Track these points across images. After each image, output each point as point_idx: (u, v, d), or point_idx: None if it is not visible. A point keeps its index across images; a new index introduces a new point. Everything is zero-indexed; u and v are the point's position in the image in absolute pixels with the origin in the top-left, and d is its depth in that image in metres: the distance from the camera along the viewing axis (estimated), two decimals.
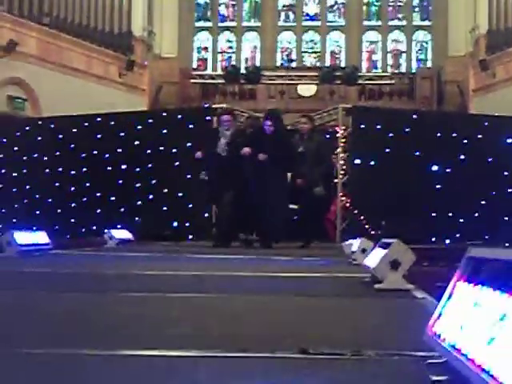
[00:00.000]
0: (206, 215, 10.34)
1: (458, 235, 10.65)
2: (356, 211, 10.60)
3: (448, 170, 10.71)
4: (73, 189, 11.39)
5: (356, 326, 2.35)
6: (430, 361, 1.43)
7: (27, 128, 12.27)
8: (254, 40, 23.53)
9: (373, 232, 10.17)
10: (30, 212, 11.46)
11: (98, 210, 11.16)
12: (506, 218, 10.71)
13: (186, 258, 6.45)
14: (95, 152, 11.34)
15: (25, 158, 11.82)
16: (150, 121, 11.62)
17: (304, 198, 9.12)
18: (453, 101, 20.39)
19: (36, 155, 11.76)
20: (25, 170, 11.78)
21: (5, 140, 12.15)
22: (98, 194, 11.24)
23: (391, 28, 23.35)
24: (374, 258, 3.66)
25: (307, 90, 20.24)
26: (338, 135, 11.33)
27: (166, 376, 1.60)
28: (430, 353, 1.48)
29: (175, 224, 10.96)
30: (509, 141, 10.90)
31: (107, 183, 11.17)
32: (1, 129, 12.37)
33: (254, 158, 8.51)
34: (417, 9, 23.55)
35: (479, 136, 10.84)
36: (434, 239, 10.67)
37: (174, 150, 10.95)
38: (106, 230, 8.82)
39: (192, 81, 20.97)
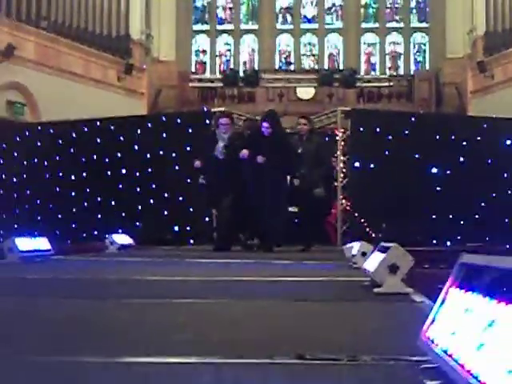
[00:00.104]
0: (207, 219, 10.36)
1: (458, 237, 10.67)
2: (356, 214, 10.63)
3: (448, 172, 10.74)
4: (73, 194, 11.41)
5: (354, 330, 2.38)
6: (424, 365, 1.46)
7: (27, 133, 12.30)
8: (252, 43, 23.58)
9: (373, 235, 10.21)
10: (31, 217, 11.48)
11: (99, 215, 11.19)
12: (507, 220, 10.74)
13: (187, 262, 6.47)
14: (95, 156, 11.37)
15: (25, 163, 11.86)
16: (150, 125, 11.65)
17: (304, 200, 9.04)
18: (451, 103, 20.43)
19: (36, 160, 11.79)
20: (25, 176, 11.81)
21: (4, 145, 12.18)
22: (99, 199, 11.27)
23: (389, 30, 23.39)
24: (373, 261, 3.68)
25: (306, 92, 20.29)
26: (337, 138, 11.36)
27: (166, 383, 1.62)
28: (426, 357, 1.50)
29: (176, 228, 10.98)
30: (508, 142, 10.93)
31: (107, 188, 11.19)
32: (0, 134, 12.39)
33: (253, 161, 8.46)
34: (414, 11, 23.59)
35: (478, 138, 10.87)
36: (434, 241, 10.70)
37: (174, 154, 10.98)
38: (107, 236, 8.84)
39: (191, 84, 21.01)
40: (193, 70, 23.08)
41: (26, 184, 11.76)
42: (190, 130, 10.98)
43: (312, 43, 23.61)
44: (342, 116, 11.59)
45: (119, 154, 11.30)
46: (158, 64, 21.85)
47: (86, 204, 11.30)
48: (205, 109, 12.70)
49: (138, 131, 11.40)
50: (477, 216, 10.56)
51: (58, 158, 11.62)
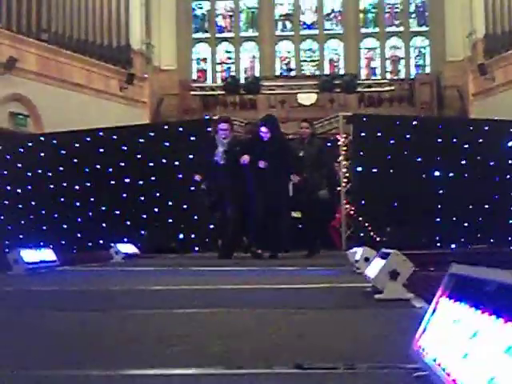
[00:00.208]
0: (212, 226, 10.40)
1: (462, 240, 10.70)
2: (360, 218, 10.66)
3: (450, 175, 10.77)
4: (78, 204, 11.48)
5: (353, 338, 2.41)
6: (417, 374, 1.50)
7: (30, 144, 12.38)
8: (252, 50, 23.66)
9: (378, 239, 10.24)
10: (36, 228, 11.56)
11: (104, 224, 11.26)
12: (511, 222, 10.77)
13: (190, 271, 6.50)
14: (98, 166, 11.45)
15: (29, 174, 11.94)
16: (152, 134, 11.72)
17: (307, 204, 9.00)
18: (453, 106, 20.47)
19: (40, 171, 11.87)
20: (29, 187, 11.90)
21: (8, 157, 12.27)
22: (103, 209, 11.33)
23: (389, 34, 23.44)
24: (374, 268, 3.72)
25: (307, 98, 20.35)
26: (339, 143, 11.41)
27: None
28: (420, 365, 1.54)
29: (181, 236, 11.04)
30: (510, 144, 10.97)
31: (111, 197, 11.26)
32: (4, 145, 12.47)
33: (254, 166, 8.39)
34: (413, 15, 23.63)
35: (480, 140, 10.91)
36: (439, 244, 10.73)
37: (177, 163, 11.05)
38: (112, 245, 8.89)
39: (192, 93, 21.09)
40: (194, 78, 23.16)
41: (30, 195, 11.83)
42: (193, 138, 11.05)
43: (312, 49, 23.68)
44: (343, 121, 11.64)
45: (122, 164, 11.38)
46: (159, 73, 21.95)
47: (90, 214, 11.37)
48: (207, 117, 12.77)
49: (141, 140, 11.47)
50: (480, 218, 10.59)
51: (61, 168, 11.70)
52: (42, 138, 12.79)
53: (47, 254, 6.71)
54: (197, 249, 10.88)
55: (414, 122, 11.61)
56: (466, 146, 10.88)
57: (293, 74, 23.15)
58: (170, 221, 11.01)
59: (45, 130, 15.70)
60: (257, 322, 2.87)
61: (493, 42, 19.19)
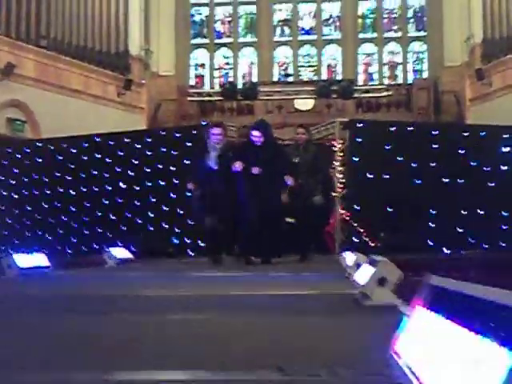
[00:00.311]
0: (203, 231, 10.37)
1: (456, 245, 10.70)
2: (355, 224, 10.66)
3: (446, 181, 10.77)
4: (73, 209, 11.49)
5: (339, 344, 2.42)
6: (398, 381, 1.50)
7: (27, 150, 12.39)
8: (250, 55, 23.69)
9: (372, 244, 10.25)
10: (31, 232, 11.56)
11: (99, 229, 11.26)
12: (505, 227, 10.77)
13: (182, 276, 6.50)
14: (95, 172, 11.45)
15: (25, 179, 11.95)
16: (149, 140, 11.72)
17: (302, 210, 8.92)
18: (450, 111, 20.47)
19: (36, 176, 11.88)
20: (26, 192, 11.90)
21: (5, 162, 12.28)
22: (99, 214, 11.34)
23: (387, 40, 23.47)
24: (364, 274, 3.73)
25: (304, 104, 20.36)
26: (335, 149, 11.42)
27: None
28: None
29: (176, 241, 11.03)
30: (506, 149, 10.98)
31: (107, 202, 11.27)
32: (1, 151, 12.48)
33: (247, 172, 8.27)
34: (412, 20, 23.67)
35: (477, 146, 10.92)
36: (433, 249, 10.72)
37: (173, 168, 11.06)
38: (106, 249, 8.90)
39: (190, 98, 21.10)
40: (192, 83, 23.18)
41: (26, 200, 11.84)
42: (189, 144, 11.06)
43: (310, 54, 23.72)
44: (340, 127, 11.65)
45: (119, 169, 11.38)
46: (157, 79, 21.96)
47: (86, 218, 11.38)
48: (204, 123, 12.77)
49: (138, 146, 11.48)
50: (475, 223, 10.59)
51: (57, 173, 11.71)
52: (39, 144, 12.79)
53: (40, 259, 6.72)
54: (192, 253, 10.87)
55: (410, 128, 11.61)
56: (463, 151, 10.89)
57: (290, 79, 23.17)
58: (165, 226, 11.00)
59: (42, 136, 15.69)
60: (244, 328, 2.87)
61: (491, 47, 19.21)
